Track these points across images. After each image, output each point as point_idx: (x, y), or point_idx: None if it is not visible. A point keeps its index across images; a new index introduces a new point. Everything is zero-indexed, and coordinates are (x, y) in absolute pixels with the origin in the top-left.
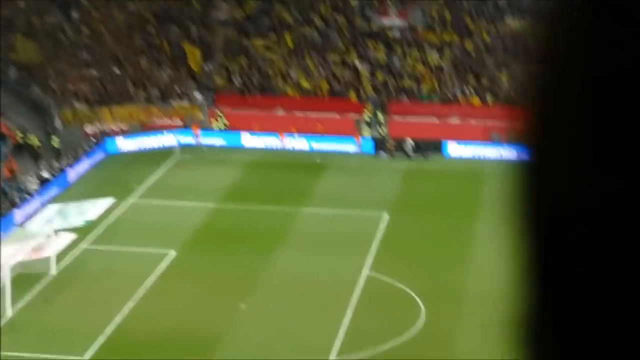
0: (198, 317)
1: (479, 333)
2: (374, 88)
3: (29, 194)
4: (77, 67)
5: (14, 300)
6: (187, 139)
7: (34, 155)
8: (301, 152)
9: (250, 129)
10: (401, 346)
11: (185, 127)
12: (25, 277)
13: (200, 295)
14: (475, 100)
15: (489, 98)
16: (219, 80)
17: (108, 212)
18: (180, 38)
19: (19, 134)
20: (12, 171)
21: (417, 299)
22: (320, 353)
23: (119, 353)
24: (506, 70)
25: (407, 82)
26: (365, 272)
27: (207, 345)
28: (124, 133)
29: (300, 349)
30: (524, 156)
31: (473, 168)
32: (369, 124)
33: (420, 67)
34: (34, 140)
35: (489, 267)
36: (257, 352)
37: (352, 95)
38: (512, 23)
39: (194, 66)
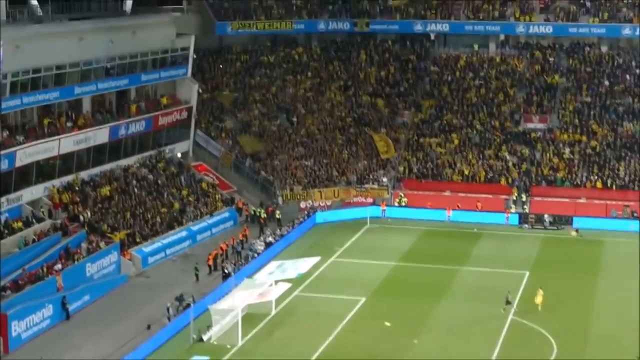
0: (382, 348)
1: None
2: (520, 175)
3: (257, 253)
4: (295, 159)
5: (244, 333)
6: (376, 213)
7: (261, 224)
8: (462, 224)
9: (424, 206)
10: None
11: (375, 204)
12: (252, 315)
13: (384, 332)
14: (599, 185)
15: (609, 183)
16: (401, 169)
17: (315, 267)
18: (372, 137)
19: (252, 208)
20: (244, 236)
21: (551, 339)
22: None
23: None
24: (623, 163)
25: (546, 171)
26: (510, 316)
27: None
28: (329, 208)
29: None
30: None
31: (596, 237)
32: (515, 203)
33: (555, 160)
34: (262, 213)
35: (609, 314)
36: None
37: (503, 181)
38: (628, 125)
39: (383, 157)
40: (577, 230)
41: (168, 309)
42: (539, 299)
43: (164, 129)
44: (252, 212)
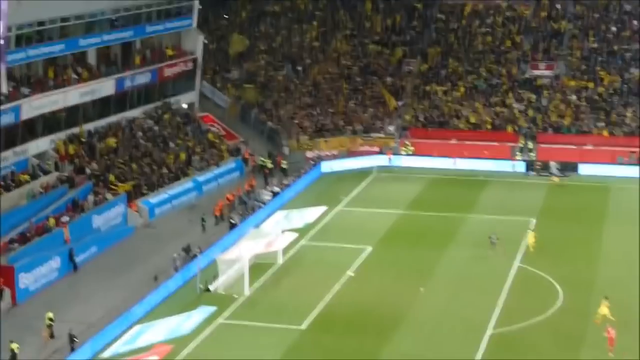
0: (388, 297)
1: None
2: (526, 123)
3: (264, 203)
4: (301, 108)
5: (251, 282)
6: (382, 162)
7: (266, 174)
8: (469, 172)
9: (431, 154)
10: (543, 322)
11: (381, 153)
12: (259, 265)
13: (390, 281)
14: (605, 132)
15: (615, 130)
16: (407, 118)
17: (321, 217)
18: (379, 85)
19: (259, 158)
20: (251, 186)
21: (557, 285)
22: (480, 326)
23: (328, 324)
24: (630, 109)
25: (552, 118)
26: (517, 263)
27: (394, 317)
28: (335, 157)
29: (464, 322)
30: None
31: (602, 184)
32: (521, 150)
33: (562, 107)
34: (268, 163)
35: (615, 260)
36: (431, 324)
37: (509, 128)
38: (635, 72)
39: (389, 107)
40: (559, 177)
41: (175, 260)
42: (530, 240)
43: (169, 81)
44: (260, 163)
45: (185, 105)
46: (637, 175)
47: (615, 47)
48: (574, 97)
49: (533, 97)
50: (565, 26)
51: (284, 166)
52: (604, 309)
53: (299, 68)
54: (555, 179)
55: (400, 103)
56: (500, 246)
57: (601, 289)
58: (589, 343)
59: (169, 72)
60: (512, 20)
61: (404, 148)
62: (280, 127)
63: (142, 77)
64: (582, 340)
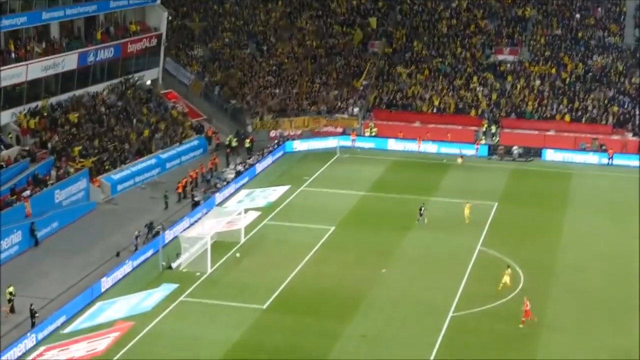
0: (350, 277)
1: (567, 297)
2: (490, 107)
3: (227, 181)
4: (265, 87)
5: (213, 261)
6: (346, 143)
7: (227, 154)
8: (432, 155)
9: (394, 136)
10: (504, 304)
11: (345, 133)
12: (221, 244)
13: (352, 261)
14: (567, 118)
15: (578, 117)
16: (371, 99)
17: (285, 196)
18: (343, 66)
19: (228, 137)
20: (214, 164)
21: (518, 269)
22: (441, 308)
23: (290, 304)
24: (592, 96)
25: (515, 103)
26: (478, 247)
27: (356, 298)
28: (299, 137)
29: (425, 304)
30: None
31: (564, 169)
32: (485, 134)
33: (525, 92)
34: (232, 142)
35: (574, 245)
36: (392, 306)
37: (473, 112)
38: (598, 59)
39: (355, 87)
40: (462, 157)
41: (137, 237)
42: (466, 212)
43: (133, 56)
44: (227, 142)
45: (148, 82)
46: (599, 162)
47: (579, 34)
48: (537, 83)
49: (497, 81)
50: (529, 12)
51: (247, 145)
52: (505, 278)
53: (264, 47)
54: (459, 160)
55: (364, 83)
56: (425, 217)
57: (561, 273)
58: (547, 326)
59: (132, 47)
60: (476, 4)
61: (368, 129)
62: (244, 106)
63: (106, 52)
64: (541, 324)
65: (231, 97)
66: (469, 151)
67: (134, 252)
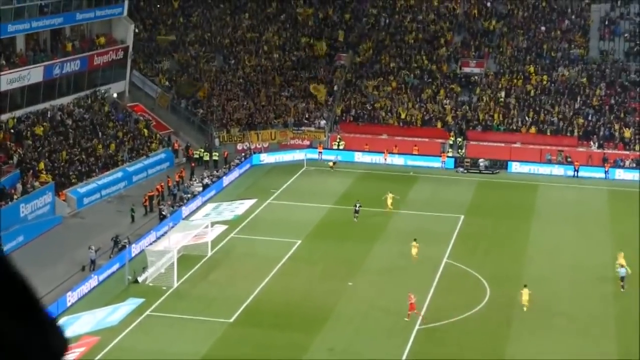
0: (317, 290)
1: (532, 310)
2: (456, 119)
3: (194, 195)
4: (232, 100)
5: (179, 275)
6: (313, 156)
7: (192, 168)
8: (399, 167)
9: (361, 149)
10: (470, 318)
11: (312, 146)
12: (188, 257)
13: (319, 274)
14: (533, 130)
15: (544, 129)
16: (338, 112)
17: (252, 209)
18: (310, 79)
19: (199, 150)
20: (181, 177)
21: (484, 282)
22: (409, 321)
23: (257, 317)
24: (558, 108)
25: (481, 115)
26: (445, 259)
27: (323, 311)
28: (266, 150)
29: (392, 317)
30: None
31: (530, 181)
32: (451, 147)
33: (491, 104)
34: (204, 155)
35: (540, 257)
36: (359, 318)
37: (439, 125)
38: (563, 71)
39: (320, 100)
40: (334, 163)
41: (90, 253)
42: (388, 201)
43: (99, 69)
44: (198, 155)
45: (115, 95)
46: (564, 174)
47: (545, 46)
48: (503, 95)
49: (463, 94)
50: (495, 25)
51: (214, 157)
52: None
53: (231, 60)
54: (330, 164)
55: (331, 97)
56: (360, 216)
57: (528, 286)
58: (513, 338)
59: (99, 60)
60: (443, 17)
61: (335, 142)
62: (211, 119)
63: (72, 65)
64: (507, 336)
65: (198, 109)
66: (435, 164)
67: (100, 266)
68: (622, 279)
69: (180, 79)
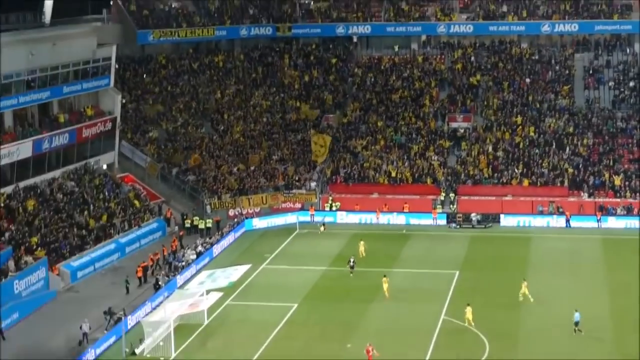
0: (316, 353)
1: None
2: (445, 175)
3: (188, 263)
4: (222, 166)
5: (177, 345)
6: (305, 218)
7: (180, 236)
8: (391, 225)
9: (352, 209)
10: None
11: (303, 209)
12: (184, 326)
13: (317, 338)
14: (526, 182)
15: (534, 180)
16: (328, 173)
17: (246, 275)
18: (299, 142)
19: (196, 219)
20: (175, 246)
21: (483, 337)
22: None
23: None
24: (547, 159)
25: (471, 170)
26: (442, 316)
27: None
28: (258, 215)
29: None
30: None
31: (523, 234)
32: (442, 203)
33: (481, 158)
34: (191, 222)
35: (537, 309)
36: None
37: (429, 181)
38: (550, 121)
39: (313, 160)
40: (323, 225)
41: (82, 328)
42: (361, 249)
43: (88, 141)
44: (190, 223)
45: (104, 166)
46: (557, 225)
47: (530, 98)
48: (490, 149)
49: (451, 149)
50: (479, 78)
51: (208, 225)
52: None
53: (220, 126)
54: (322, 228)
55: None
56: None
57: (525, 338)
58: None
59: (87, 132)
60: (428, 73)
61: (328, 204)
62: (202, 186)
63: (61, 139)
64: None
65: (187, 172)
66: (427, 221)
67: (97, 340)
68: (576, 323)
69: (169, 147)
